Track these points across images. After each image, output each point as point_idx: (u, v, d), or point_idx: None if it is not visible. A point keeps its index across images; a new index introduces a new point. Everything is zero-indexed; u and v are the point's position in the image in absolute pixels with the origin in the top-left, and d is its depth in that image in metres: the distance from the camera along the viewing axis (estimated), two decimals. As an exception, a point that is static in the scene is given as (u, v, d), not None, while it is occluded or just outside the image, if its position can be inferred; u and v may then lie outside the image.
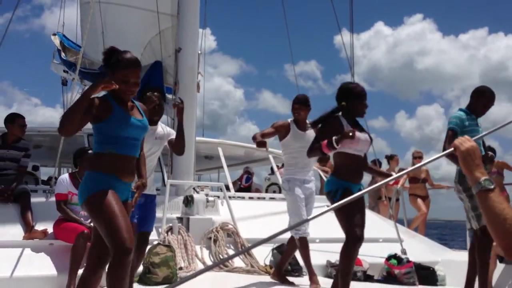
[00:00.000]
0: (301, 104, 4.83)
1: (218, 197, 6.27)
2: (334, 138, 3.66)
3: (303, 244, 4.65)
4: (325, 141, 3.71)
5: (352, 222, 3.70)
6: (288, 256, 4.88)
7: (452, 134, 4.26)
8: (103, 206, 2.85)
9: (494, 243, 4.85)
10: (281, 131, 4.78)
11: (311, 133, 4.81)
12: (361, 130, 3.95)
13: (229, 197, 6.30)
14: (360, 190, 3.86)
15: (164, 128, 4.28)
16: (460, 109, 4.41)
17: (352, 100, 3.92)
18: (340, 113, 3.94)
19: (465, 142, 1.76)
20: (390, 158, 9.52)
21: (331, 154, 3.88)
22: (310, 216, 4.18)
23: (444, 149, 4.18)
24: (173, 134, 4.28)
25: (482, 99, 4.38)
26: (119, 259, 2.80)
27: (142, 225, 3.99)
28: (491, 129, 2.33)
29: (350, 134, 3.63)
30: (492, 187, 1.61)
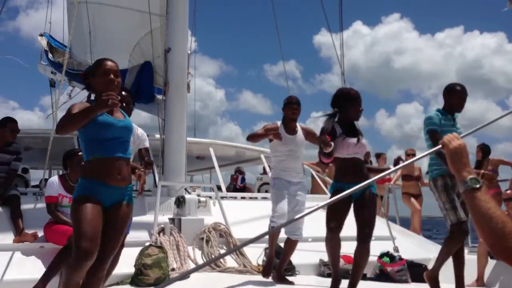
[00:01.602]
0: (298, 104, 4.93)
1: (210, 197, 6.25)
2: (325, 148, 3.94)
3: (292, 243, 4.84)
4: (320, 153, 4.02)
5: (328, 217, 4.06)
6: (286, 256, 4.89)
7: (434, 133, 4.19)
8: (76, 212, 3.00)
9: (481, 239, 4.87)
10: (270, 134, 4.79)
11: (299, 136, 4.86)
12: (356, 134, 4.11)
13: (221, 197, 6.28)
14: (362, 190, 3.94)
15: (137, 129, 4.40)
16: (437, 109, 4.37)
17: (346, 104, 4.09)
18: (335, 119, 4.14)
19: (453, 140, 1.74)
20: (377, 156, 9.52)
21: (329, 162, 4.19)
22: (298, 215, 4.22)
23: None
24: (145, 139, 4.51)
25: (453, 95, 4.35)
26: (75, 263, 2.94)
27: None
28: (477, 126, 2.33)
29: (324, 141, 3.90)
30: (478, 186, 1.60)
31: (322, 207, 2.01)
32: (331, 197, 4.07)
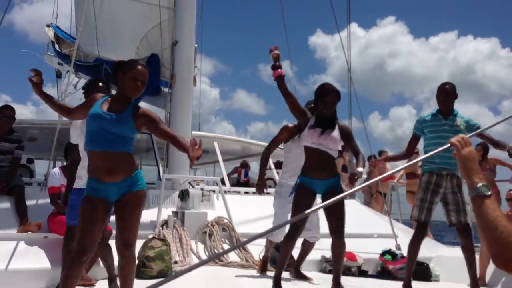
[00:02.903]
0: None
1: (214, 191, 6.26)
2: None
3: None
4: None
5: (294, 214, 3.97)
6: (305, 256, 4.91)
7: (412, 136, 4.60)
8: (80, 212, 3.19)
9: None
10: (288, 135, 4.76)
11: None
12: (329, 127, 4.05)
13: (225, 192, 6.29)
14: (328, 185, 4.00)
15: None
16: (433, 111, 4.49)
17: (316, 98, 4.11)
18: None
19: (466, 145, 1.75)
20: (379, 154, 9.53)
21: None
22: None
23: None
24: None
25: (437, 96, 4.45)
26: (73, 258, 3.14)
27: None
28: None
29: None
30: (489, 193, 1.60)
31: (318, 209, 2.04)
32: (295, 189, 4.06)
